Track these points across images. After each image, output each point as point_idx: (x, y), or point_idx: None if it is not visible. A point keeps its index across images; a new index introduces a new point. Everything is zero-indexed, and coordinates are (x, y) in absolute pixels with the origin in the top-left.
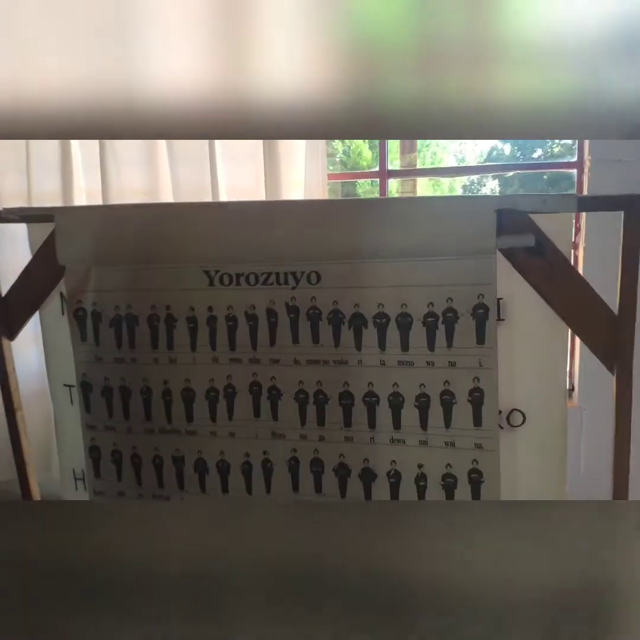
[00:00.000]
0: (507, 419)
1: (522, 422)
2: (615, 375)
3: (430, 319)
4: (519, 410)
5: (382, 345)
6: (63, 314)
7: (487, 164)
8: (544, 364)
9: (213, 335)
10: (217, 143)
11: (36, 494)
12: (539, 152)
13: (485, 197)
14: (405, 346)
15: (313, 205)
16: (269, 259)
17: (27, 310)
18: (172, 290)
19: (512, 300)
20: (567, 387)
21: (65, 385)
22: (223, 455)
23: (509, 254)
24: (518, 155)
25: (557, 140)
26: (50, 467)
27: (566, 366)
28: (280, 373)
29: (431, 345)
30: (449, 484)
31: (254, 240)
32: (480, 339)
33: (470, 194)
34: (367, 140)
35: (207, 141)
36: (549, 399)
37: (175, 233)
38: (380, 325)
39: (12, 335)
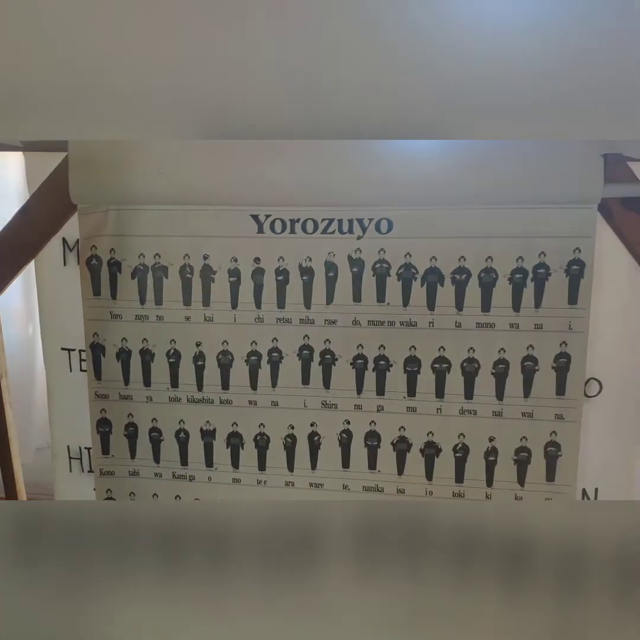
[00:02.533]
0: (584, 390)
1: (599, 392)
2: None
3: (517, 276)
4: (596, 379)
5: (459, 304)
6: (65, 264)
7: None
8: (627, 331)
9: (259, 291)
10: None
11: (19, 479)
12: None
13: (590, 141)
14: (487, 306)
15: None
16: (331, 203)
17: (19, 259)
18: (211, 236)
19: (598, 260)
20: None
21: (63, 348)
22: (263, 428)
23: (602, 206)
24: None
25: None
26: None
27: None
28: (337, 335)
29: (517, 306)
30: (522, 459)
31: (313, 180)
32: (573, 298)
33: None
34: None
35: None
36: (630, 369)
37: (218, 169)
38: (459, 282)
39: (0, 288)
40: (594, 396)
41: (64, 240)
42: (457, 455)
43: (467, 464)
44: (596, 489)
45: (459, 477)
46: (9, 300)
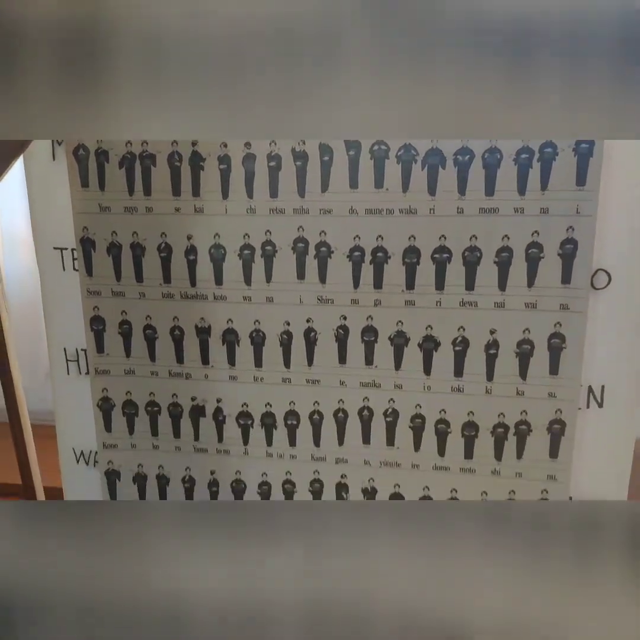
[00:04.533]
0: (591, 279)
1: (607, 284)
2: None
3: (523, 156)
4: (605, 271)
5: (461, 189)
6: (54, 159)
7: None
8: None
9: (250, 178)
10: None
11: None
12: None
13: None
14: (490, 190)
15: None
16: None
17: (6, 155)
18: None
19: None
20: None
21: (55, 248)
22: (258, 324)
23: None
24: None
25: None
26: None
27: None
28: (332, 226)
29: (522, 188)
30: (524, 351)
31: None
32: (581, 180)
33: None
34: None
35: None
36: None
37: None
38: (461, 163)
39: None
40: (602, 288)
41: None
42: (457, 348)
43: (466, 358)
44: (602, 387)
45: (458, 371)
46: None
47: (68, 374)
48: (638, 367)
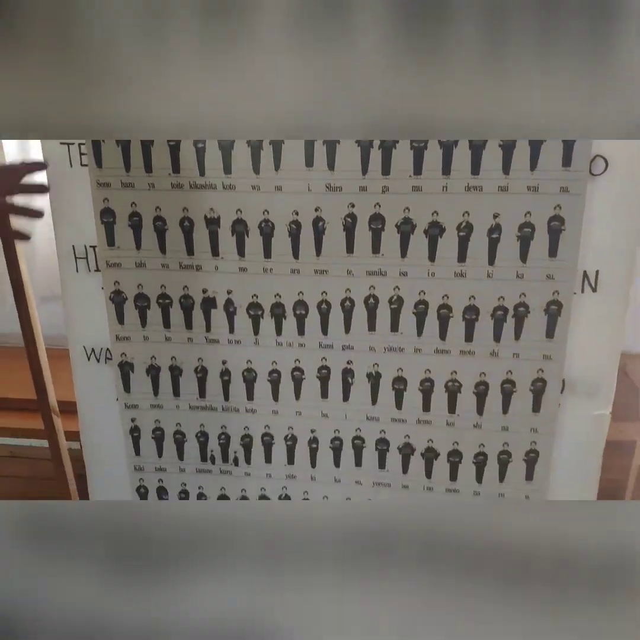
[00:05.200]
0: (590, 166)
1: (604, 170)
2: None
3: None
4: (602, 157)
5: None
6: None
7: None
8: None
9: None
10: None
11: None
12: None
13: None
14: None
15: None
16: None
17: None
18: None
19: None
20: None
21: (62, 143)
22: (267, 214)
23: None
24: None
25: None
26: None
27: None
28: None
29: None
30: (525, 235)
31: None
32: None
33: None
34: None
35: None
36: (638, 147)
37: None
38: None
39: None
40: (600, 174)
41: None
42: (461, 234)
43: (470, 243)
44: (597, 272)
45: (462, 256)
46: None
47: (77, 271)
48: (631, 253)
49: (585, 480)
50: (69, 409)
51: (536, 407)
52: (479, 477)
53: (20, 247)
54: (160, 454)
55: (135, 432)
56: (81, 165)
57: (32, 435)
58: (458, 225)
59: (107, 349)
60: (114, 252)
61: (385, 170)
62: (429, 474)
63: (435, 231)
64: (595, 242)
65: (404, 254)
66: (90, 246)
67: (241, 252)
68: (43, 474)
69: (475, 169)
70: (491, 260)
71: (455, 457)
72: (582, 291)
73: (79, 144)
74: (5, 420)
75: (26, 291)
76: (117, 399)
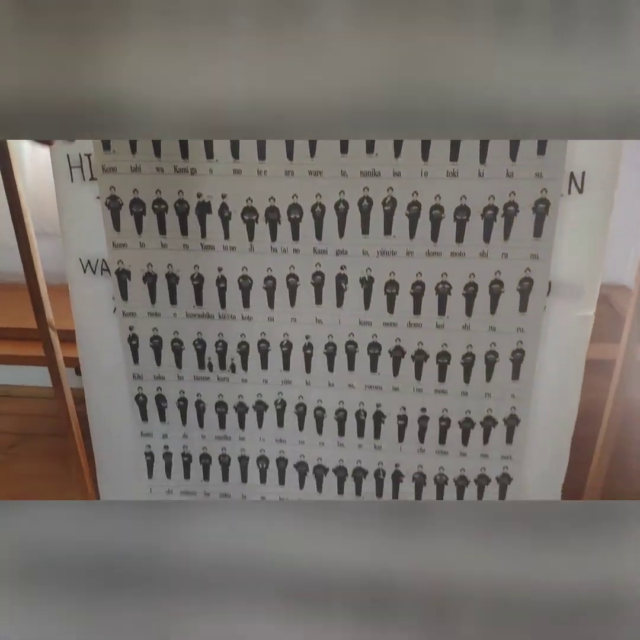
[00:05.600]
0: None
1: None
2: None
3: None
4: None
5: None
6: None
7: None
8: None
9: None
10: None
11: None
12: None
13: None
14: None
15: None
16: None
17: None
18: None
19: None
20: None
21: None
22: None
23: None
24: None
25: None
26: None
27: None
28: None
29: None
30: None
31: None
32: None
33: None
34: None
35: None
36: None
37: None
38: None
39: None
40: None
41: None
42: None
43: (462, 143)
44: (583, 173)
45: (454, 156)
46: None
47: (72, 181)
48: (616, 155)
49: (568, 380)
50: (67, 338)
51: (523, 307)
52: (467, 378)
53: (19, 181)
54: (158, 362)
55: (133, 340)
56: None
57: (32, 363)
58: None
59: (103, 260)
60: (110, 156)
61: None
62: (418, 376)
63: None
64: (581, 145)
65: (397, 154)
66: (85, 154)
67: (235, 154)
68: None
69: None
70: (482, 159)
71: (444, 358)
72: (569, 193)
73: None
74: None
75: (27, 226)
76: (115, 309)
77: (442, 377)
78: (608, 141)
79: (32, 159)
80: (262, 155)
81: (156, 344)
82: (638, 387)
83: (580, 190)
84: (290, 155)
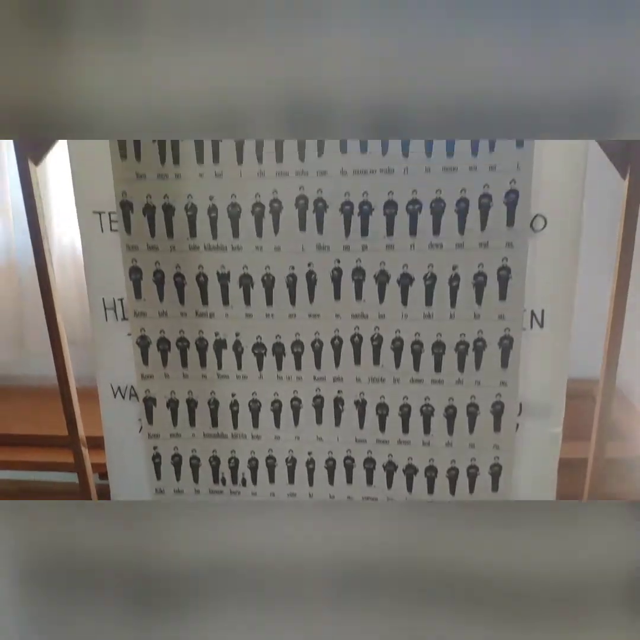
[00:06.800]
0: (531, 223)
1: (543, 227)
2: (627, 179)
3: None
4: (542, 216)
5: (428, 152)
6: None
7: None
8: (565, 172)
9: (260, 147)
10: None
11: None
12: None
13: None
14: (451, 151)
15: None
16: None
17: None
18: None
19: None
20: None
21: (94, 212)
22: (268, 269)
23: None
24: None
25: None
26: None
27: (584, 175)
28: (327, 184)
29: (474, 150)
30: (479, 282)
31: None
32: (520, 142)
33: None
34: None
35: None
36: (568, 207)
37: None
38: None
39: (37, 159)
40: (540, 230)
41: None
42: (427, 283)
43: (434, 291)
44: (542, 311)
45: (429, 301)
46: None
47: (106, 320)
48: (572, 295)
49: (543, 490)
50: (95, 444)
51: (497, 427)
52: (452, 489)
53: (56, 298)
54: (178, 478)
55: (156, 459)
56: (111, 230)
57: (61, 469)
58: (424, 276)
59: (132, 386)
60: (141, 303)
61: (364, 232)
62: (409, 488)
63: (406, 281)
64: (540, 286)
65: (381, 299)
66: (118, 299)
67: (247, 301)
68: None
69: (436, 230)
70: (452, 303)
71: (431, 472)
72: (531, 327)
73: (110, 213)
74: (36, 454)
75: (61, 336)
76: (141, 430)
77: (430, 490)
78: (561, 285)
79: (68, 297)
80: (269, 302)
81: (176, 461)
82: (611, 483)
83: (541, 325)
84: (292, 302)
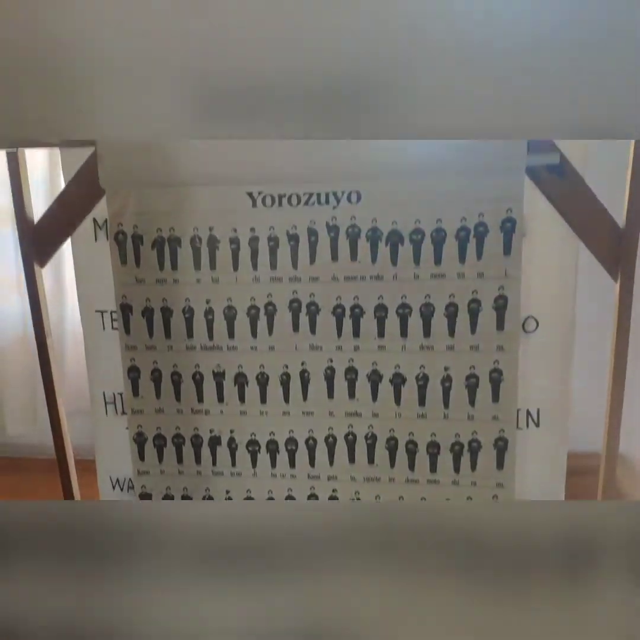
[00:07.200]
0: (523, 325)
1: (536, 328)
2: (618, 282)
3: (462, 233)
4: (533, 317)
5: (416, 259)
6: (96, 240)
7: None
8: (557, 275)
9: (255, 255)
10: None
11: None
12: None
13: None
14: (439, 259)
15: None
16: (311, 180)
17: (59, 237)
18: (215, 211)
19: (532, 218)
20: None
21: (97, 311)
22: (263, 368)
23: (532, 172)
24: None
25: None
26: (35, 417)
27: (576, 276)
28: (319, 289)
29: (462, 257)
30: (471, 384)
31: (297, 162)
32: (507, 250)
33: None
34: None
35: None
36: (560, 308)
37: (219, 156)
38: (415, 241)
39: (43, 262)
40: (533, 331)
41: (95, 220)
42: (419, 383)
43: (427, 391)
44: (538, 410)
45: (422, 401)
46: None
47: (106, 414)
48: (566, 394)
49: None
50: None
51: None
52: None
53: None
54: None
55: None
56: (112, 328)
57: None
58: (416, 376)
59: (129, 479)
60: (138, 401)
61: (356, 333)
62: None
63: (398, 381)
64: (534, 386)
65: (374, 398)
66: (118, 393)
67: (242, 398)
68: None
69: (427, 332)
70: (446, 404)
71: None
72: (527, 426)
73: (111, 312)
74: None
75: (62, 419)
76: None
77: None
78: (556, 385)
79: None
80: (263, 400)
81: None
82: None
83: (537, 424)
84: (286, 400)
